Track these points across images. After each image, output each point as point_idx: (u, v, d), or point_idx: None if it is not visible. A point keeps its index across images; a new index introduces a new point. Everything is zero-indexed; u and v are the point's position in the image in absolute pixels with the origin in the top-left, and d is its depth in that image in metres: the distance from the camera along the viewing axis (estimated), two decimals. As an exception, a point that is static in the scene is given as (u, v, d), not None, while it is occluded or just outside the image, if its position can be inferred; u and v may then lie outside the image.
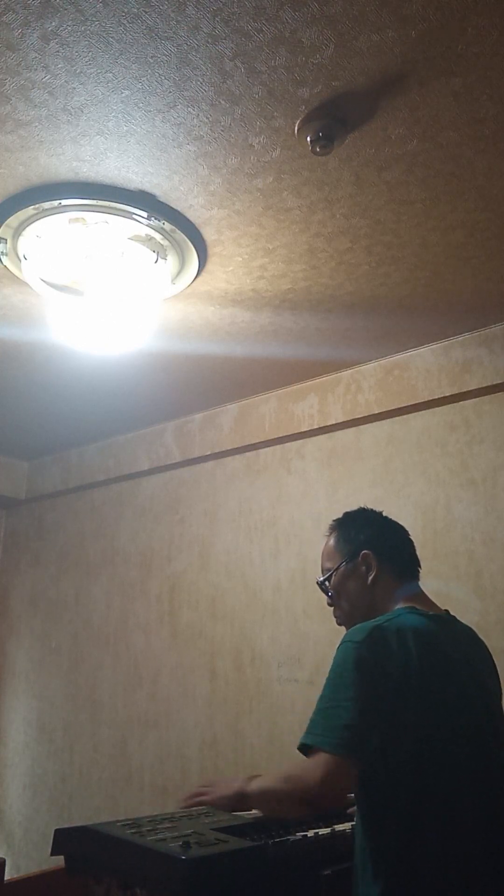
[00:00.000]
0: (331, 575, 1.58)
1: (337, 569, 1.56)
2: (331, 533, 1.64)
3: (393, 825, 1.28)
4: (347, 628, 1.53)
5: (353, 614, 1.54)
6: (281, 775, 1.41)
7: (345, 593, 1.56)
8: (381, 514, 1.66)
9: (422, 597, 1.54)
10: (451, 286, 2.18)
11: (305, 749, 1.32)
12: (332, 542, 1.62)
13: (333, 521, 1.66)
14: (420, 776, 1.29)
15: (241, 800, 1.47)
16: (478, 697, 1.41)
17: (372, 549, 1.55)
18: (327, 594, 1.60)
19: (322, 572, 1.61)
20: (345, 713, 1.28)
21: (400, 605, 1.49)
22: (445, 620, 1.50)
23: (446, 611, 1.54)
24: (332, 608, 1.61)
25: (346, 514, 1.66)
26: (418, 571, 1.60)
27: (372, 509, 1.67)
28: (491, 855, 1.31)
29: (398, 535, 1.62)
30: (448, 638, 1.45)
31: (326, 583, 1.59)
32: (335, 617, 1.60)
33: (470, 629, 1.55)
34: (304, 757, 1.32)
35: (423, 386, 2.60)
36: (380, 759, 1.29)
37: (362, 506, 1.69)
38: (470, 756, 1.34)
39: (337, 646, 1.38)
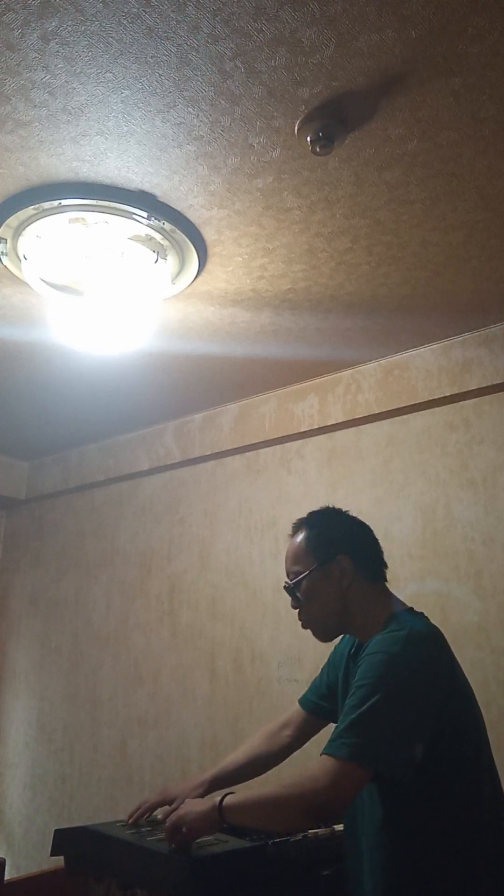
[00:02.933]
0: (301, 579, 1.50)
1: (308, 573, 1.49)
2: (296, 533, 1.57)
3: (425, 828, 1.28)
4: (315, 632, 1.51)
5: (326, 620, 1.50)
6: (277, 784, 1.35)
7: (317, 598, 1.49)
8: (347, 513, 1.60)
9: (397, 599, 1.52)
10: (451, 286, 2.18)
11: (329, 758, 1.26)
12: (300, 543, 1.54)
13: (298, 520, 1.59)
14: (469, 771, 1.31)
15: (216, 817, 1.35)
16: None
17: (346, 553, 1.50)
18: (295, 598, 1.52)
19: (288, 575, 1.53)
20: (376, 725, 1.25)
21: (396, 609, 1.46)
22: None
23: (421, 612, 1.51)
24: (297, 611, 1.55)
25: (313, 514, 1.59)
26: (385, 573, 1.56)
27: (339, 509, 1.61)
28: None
29: (368, 535, 1.57)
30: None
31: (295, 588, 1.51)
32: (301, 620, 1.54)
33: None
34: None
35: (423, 386, 2.60)
36: (425, 763, 1.27)
37: (328, 505, 1.63)
38: (490, 757, 1.39)
39: (364, 658, 1.35)
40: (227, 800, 1.34)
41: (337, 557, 1.49)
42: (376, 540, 1.57)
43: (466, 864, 1.28)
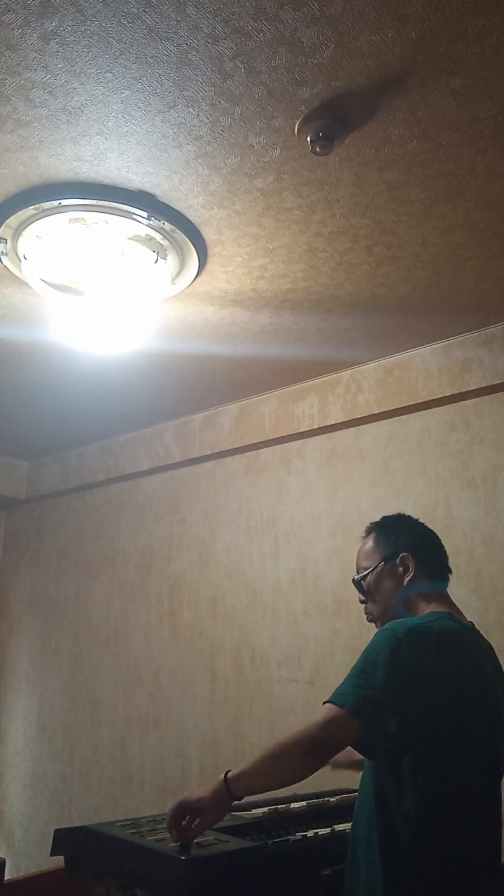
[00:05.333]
0: (367, 574, 1.62)
1: (374, 568, 1.61)
2: (368, 534, 1.69)
3: (410, 809, 1.30)
4: (378, 626, 1.59)
5: (386, 612, 1.59)
6: (277, 738, 1.41)
7: (380, 592, 1.60)
8: (417, 520, 1.70)
9: (453, 604, 1.59)
10: (451, 286, 2.18)
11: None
12: (370, 542, 1.66)
13: (371, 523, 1.70)
14: (444, 767, 1.33)
15: (223, 791, 1.38)
16: (492, 707, 1.45)
17: (411, 552, 1.60)
18: (362, 592, 1.64)
19: (357, 571, 1.66)
20: (368, 685, 1.32)
21: (434, 607, 1.53)
22: (474, 632, 1.54)
23: (472, 622, 1.57)
24: (363, 605, 1.66)
25: (386, 518, 1.71)
26: (449, 578, 1.64)
27: (410, 515, 1.72)
28: (490, 852, 1.36)
29: (434, 541, 1.67)
30: (475, 648, 1.49)
31: (362, 581, 1.63)
32: (367, 614, 1.65)
33: (489, 644, 1.59)
34: None
35: (423, 386, 2.60)
36: (405, 745, 1.32)
37: (400, 512, 1.74)
38: (482, 755, 1.39)
39: (376, 632, 1.43)
40: (231, 772, 1.40)
41: (401, 555, 1.60)
42: (441, 546, 1.67)
43: (459, 865, 1.30)
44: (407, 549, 1.60)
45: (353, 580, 1.66)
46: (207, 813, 1.39)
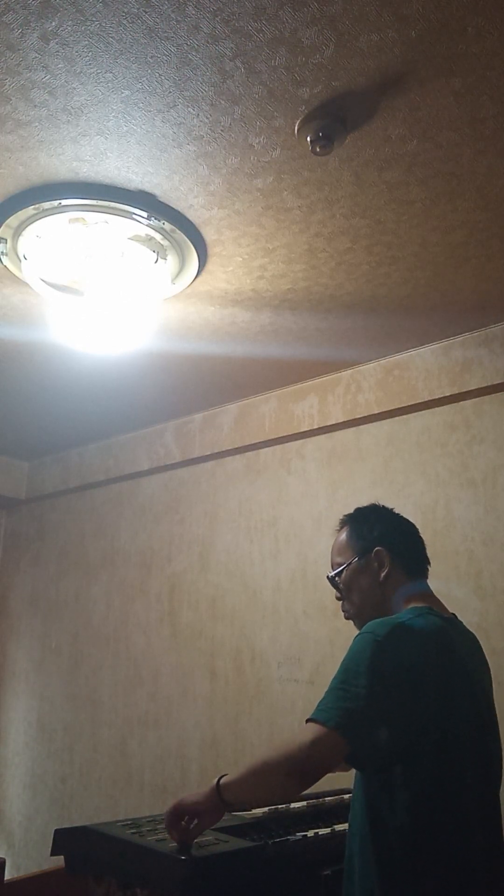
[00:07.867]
0: (342, 570, 1.57)
1: (348, 564, 1.56)
2: (342, 528, 1.63)
3: (403, 820, 1.27)
4: (356, 623, 1.55)
5: (364, 610, 1.54)
6: (266, 749, 1.38)
7: (356, 589, 1.55)
8: (392, 510, 1.64)
9: (433, 597, 1.54)
10: (451, 286, 2.18)
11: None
12: (343, 537, 1.61)
13: (345, 515, 1.64)
14: (437, 773, 1.29)
15: (215, 797, 1.37)
16: (482, 703, 1.43)
17: (385, 546, 1.54)
18: (337, 589, 1.59)
19: (332, 567, 1.60)
20: (351, 697, 1.27)
21: (414, 604, 1.48)
22: (456, 624, 1.51)
23: (453, 614, 1.54)
24: (340, 602, 1.61)
25: (358, 510, 1.65)
26: (427, 569, 1.60)
27: (384, 506, 1.66)
28: (488, 852, 1.33)
29: (410, 532, 1.61)
30: (459, 642, 1.46)
31: (337, 578, 1.58)
32: (344, 611, 1.60)
33: (473, 635, 1.55)
34: None
35: (423, 386, 2.60)
36: (394, 754, 1.29)
37: (374, 502, 1.68)
38: (476, 755, 1.36)
39: (355, 636, 1.38)
40: (224, 779, 1.38)
41: (375, 550, 1.54)
42: (419, 538, 1.61)
43: (452, 869, 1.28)
44: (381, 542, 1.54)
45: (328, 577, 1.60)
46: (204, 816, 1.39)
